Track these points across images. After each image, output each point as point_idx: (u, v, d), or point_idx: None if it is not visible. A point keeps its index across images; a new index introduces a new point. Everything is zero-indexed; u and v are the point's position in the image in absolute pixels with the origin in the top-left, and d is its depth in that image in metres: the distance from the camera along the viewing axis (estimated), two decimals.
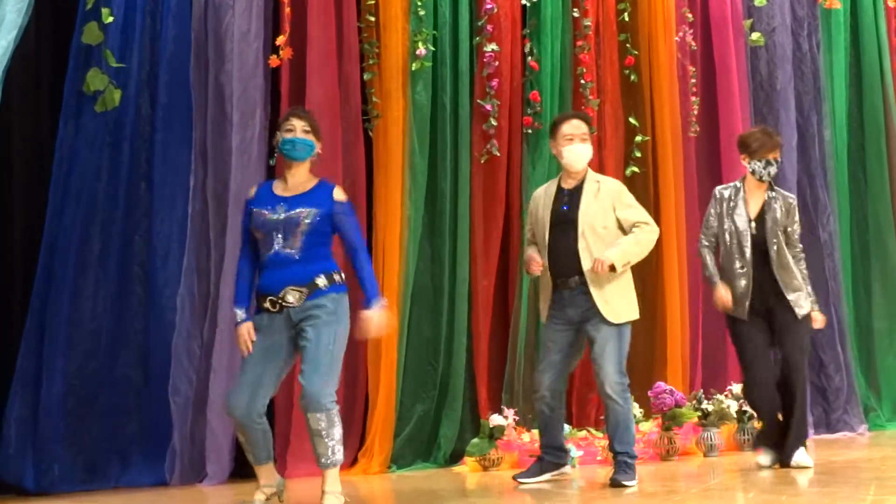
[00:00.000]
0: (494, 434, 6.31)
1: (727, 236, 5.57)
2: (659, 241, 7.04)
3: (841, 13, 7.98)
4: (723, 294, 5.50)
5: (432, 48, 6.62)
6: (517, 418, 6.41)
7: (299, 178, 4.57)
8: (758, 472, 5.51)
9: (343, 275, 4.54)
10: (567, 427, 6.21)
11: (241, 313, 4.49)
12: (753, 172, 5.60)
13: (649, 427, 6.58)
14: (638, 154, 7.25)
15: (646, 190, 7.24)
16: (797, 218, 5.65)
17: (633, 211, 5.26)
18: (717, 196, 5.69)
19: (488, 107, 6.73)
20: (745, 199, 5.61)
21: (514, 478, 5.38)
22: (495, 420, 6.33)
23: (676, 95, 7.36)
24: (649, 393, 6.69)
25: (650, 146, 7.29)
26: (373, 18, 6.52)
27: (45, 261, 5.75)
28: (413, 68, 6.56)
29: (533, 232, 5.40)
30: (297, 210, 4.46)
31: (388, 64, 6.53)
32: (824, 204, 7.75)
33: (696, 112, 7.46)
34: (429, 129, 6.62)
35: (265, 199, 4.54)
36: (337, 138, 6.35)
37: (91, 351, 5.84)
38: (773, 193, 5.64)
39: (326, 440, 4.35)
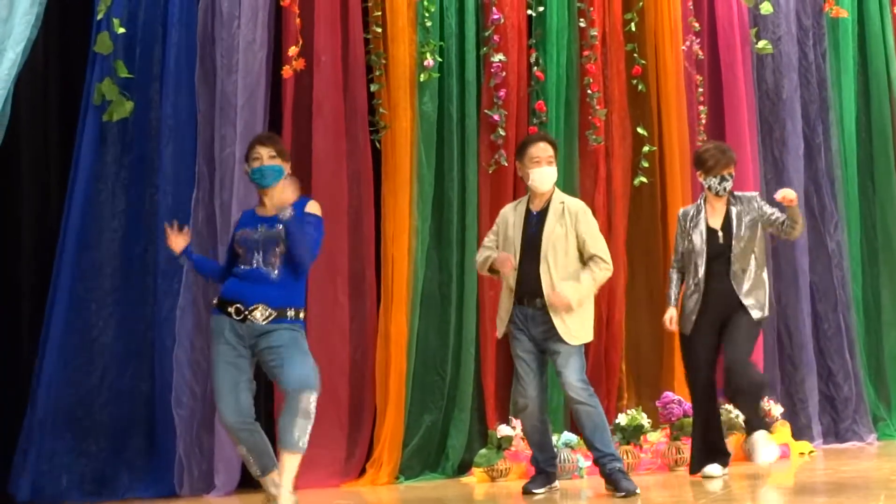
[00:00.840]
0: (502, 444, 6.29)
1: (684, 255, 5.77)
2: (667, 248, 7.11)
3: (849, 22, 7.97)
4: (666, 318, 5.82)
5: (439, 59, 6.62)
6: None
7: (276, 200, 4.59)
8: (765, 481, 5.49)
9: (305, 313, 4.64)
10: (574, 438, 6.25)
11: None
12: (710, 188, 5.71)
13: (657, 437, 6.56)
14: (645, 164, 7.23)
15: (653, 200, 7.24)
16: (766, 207, 5.71)
17: (595, 241, 5.34)
18: (680, 216, 5.87)
19: (496, 117, 6.73)
20: (706, 215, 5.71)
21: (526, 489, 5.38)
22: (503, 430, 6.32)
23: (684, 105, 7.35)
24: (657, 403, 6.68)
25: (657, 156, 7.28)
26: (380, 30, 6.53)
27: (54, 272, 5.75)
28: (420, 79, 6.57)
29: (498, 245, 5.43)
30: (277, 228, 4.51)
31: (395, 75, 6.53)
32: (832, 213, 7.73)
33: (703, 121, 7.46)
34: (436, 140, 6.63)
35: (248, 221, 4.66)
36: (342, 149, 6.36)
37: (98, 362, 5.86)
38: (734, 201, 5.74)
39: (307, 423, 4.39)
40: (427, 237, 6.58)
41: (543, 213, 5.36)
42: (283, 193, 4.48)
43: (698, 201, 5.83)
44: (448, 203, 6.66)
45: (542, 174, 5.35)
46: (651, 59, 7.31)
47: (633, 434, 6.47)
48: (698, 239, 5.70)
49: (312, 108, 6.30)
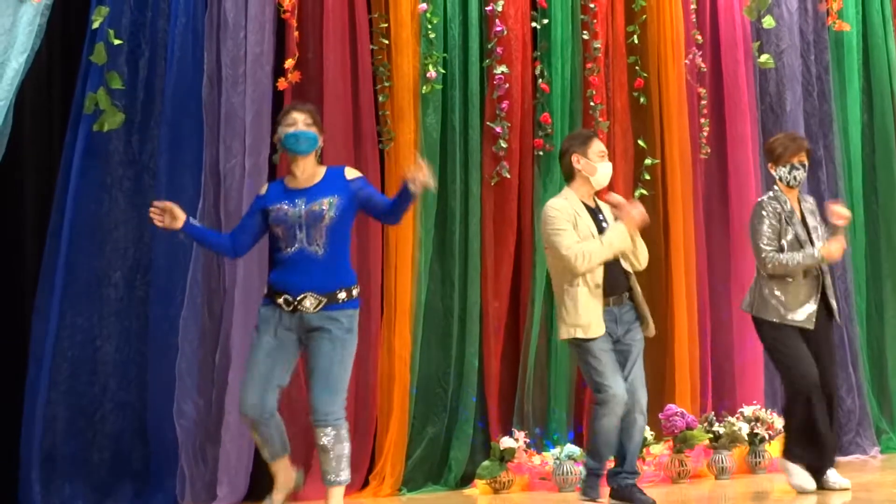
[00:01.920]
0: (505, 457, 6.27)
1: (790, 245, 5.46)
2: (668, 263, 7.14)
3: (852, 35, 7.94)
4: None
5: (442, 71, 6.62)
6: (528, 441, 6.37)
7: (308, 171, 4.53)
8: (768, 494, 5.51)
9: (359, 288, 4.55)
10: (577, 450, 6.22)
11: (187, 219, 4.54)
12: (780, 179, 5.55)
13: (660, 449, 6.53)
14: (647, 177, 7.21)
15: (655, 212, 7.10)
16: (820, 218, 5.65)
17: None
18: (766, 204, 5.52)
19: (498, 129, 6.71)
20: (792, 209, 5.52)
21: (592, 498, 5.23)
22: (506, 442, 6.29)
23: (686, 117, 7.32)
24: (660, 415, 6.63)
25: (659, 168, 7.26)
26: (385, 41, 6.53)
27: (47, 280, 5.75)
28: (423, 91, 6.56)
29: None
30: (319, 201, 4.42)
31: (399, 86, 6.52)
32: (835, 226, 7.66)
33: (705, 134, 7.44)
34: (439, 151, 6.61)
35: (280, 195, 4.50)
36: (351, 160, 6.32)
37: (99, 372, 5.84)
38: (805, 200, 5.65)
39: (331, 456, 4.34)
40: (430, 248, 6.56)
41: (600, 210, 5.31)
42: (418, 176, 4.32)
43: (772, 193, 5.58)
44: (451, 214, 6.64)
45: (609, 169, 5.31)
46: (653, 72, 7.29)
47: None
48: (801, 230, 5.46)
49: (322, 118, 6.16)
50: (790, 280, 5.43)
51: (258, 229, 4.63)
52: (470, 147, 6.71)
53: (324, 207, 4.42)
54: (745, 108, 7.48)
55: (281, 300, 4.40)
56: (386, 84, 6.53)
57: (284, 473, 4.56)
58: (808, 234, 5.50)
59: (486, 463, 6.30)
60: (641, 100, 7.28)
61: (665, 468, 6.46)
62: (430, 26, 6.58)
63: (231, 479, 5.83)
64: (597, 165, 5.24)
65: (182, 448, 5.82)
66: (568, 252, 5.06)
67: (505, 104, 6.72)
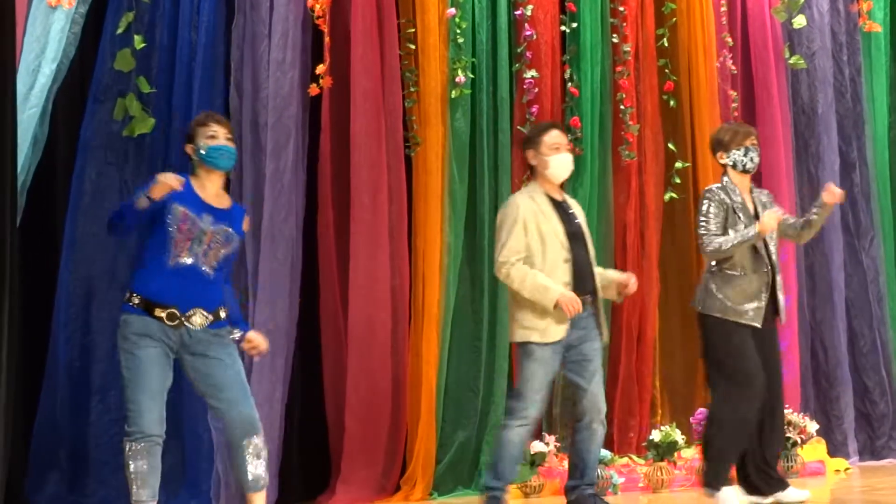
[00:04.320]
0: (535, 461, 6.18)
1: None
2: (700, 268, 6.80)
3: (882, 36, 7.80)
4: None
5: (471, 75, 6.53)
6: (558, 445, 6.27)
7: (215, 189, 4.30)
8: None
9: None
10: (608, 454, 6.10)
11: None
12: (734, 165, 5.09)
13: (691, 454, 6.41)
14: (678, 180, 7.10)
15: (686, 216, 7.08)
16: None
17: None
18: (716, 191, 5.06)
19: None
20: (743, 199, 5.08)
21: None
22: (536, 447, 6.19)
23: (717, 120, 7.15)
24: (691, 419, 6.57)
25: (690, 172, 7.15)
26: (413, 46, 6.46)
27: (77, 282, 5.75)
28: (452, 95, 6.48)
29: (526, 245, 4.85)
30: (223, 227, 4.21)
31: (427, 91, 6.45)
32: (867, 228, 7.54)
33: None
34: (468, 156, 6.53)
35: (190, 199, 4.16)
36: (382, 165, 6.29)
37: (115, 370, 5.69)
38: (760, 193, 5.24)
39: (262, 460, 4.21)
40: (459, 253, 6.47)
41: (567, 204, 5.04)
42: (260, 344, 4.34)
43: (720, 184, 5.11)
44: (480, 219, 6.55)
45: (565, 160, 4.99)
46: (684, 75, 7.18)
47: (666, 450, 6.36)
48: (749, 220, 5.01)
49: (351, 124, 6.22)
50: (737, 274, 4.98)
51: (149, 216, 4.12)
52: (500, 151, 6.63)
53: (231, 238, 4.24)
54: (777, 110, 7.34)
55: (164, 314, 4.07)
56: (413, 89, 6.47)
57: None
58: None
59: None
60: (672, 103, 7.16)
61: (696, 472, 6.25)
62: (458, 31, 6.51)
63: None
64: (548, 159, 4.95)
65: (217, 451, 5.72)
66: (504, 260, 4.83)
67: (535, 108, 6.63)
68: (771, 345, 5.10)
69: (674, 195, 7.06)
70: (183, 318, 4.10)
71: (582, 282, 4.86)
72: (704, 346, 5.13)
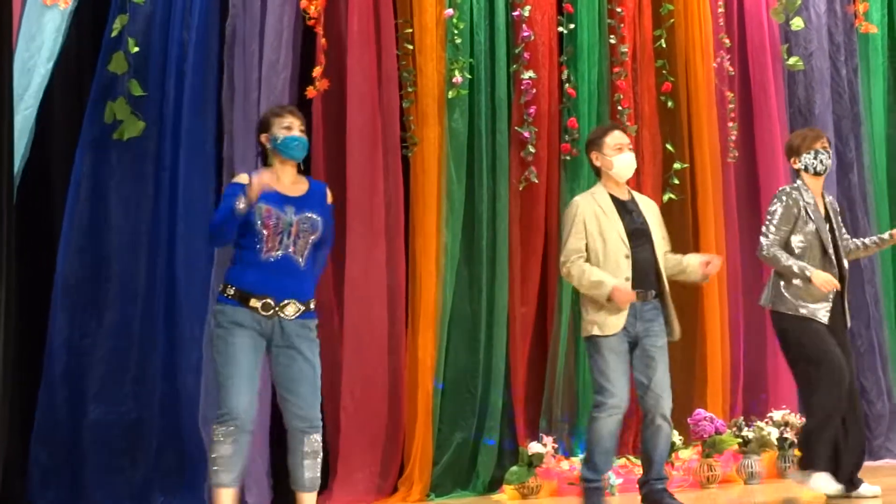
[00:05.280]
0: (533, 462, 6.15)
1: (808, 237, 5.19)
2: None
3: (878, 37, 7.84)
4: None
5: (469, 76, 6.52)
6: (556, 446, 6.26)
7: (290, 178, 4.36)
8: (798, 500, 5.44)
9: None
10: None
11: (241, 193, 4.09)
12: (806, 168, 5.28)
13: (689, 454, 6.43)
14: (676, 181, 7.10)
15: (684, 216, 7.08)
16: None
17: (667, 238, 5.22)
18: (789, 193, 5.26)
19: (526, 134, 6.60)
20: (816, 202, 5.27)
21: None
22: (534, 448, 6.18)
23: (714, 121, 7.23)
24: (689, 420, 6.52)
25: (688, 173, 7.16)
26: (410, 47, 6.43)
27: (73, 284, 5.72)
28: (449, 96, 6.45)
29: (587, 245, 5.00)
30: (307, 215, 4.27)
31: (424, 91, 6.42)
32: (864, 229, 7.51)
33: (734, 138, 7.33)
34: (466, 157, 6.51)
35: (270, 195, 4.20)
36: (378, 165, 6.28)
37: (120, 378, 5.80)
38: (829, 197, 5.44)
39: (317, 461, 4.27)
40: (457, 253, 6.45)
41: (635, 203, 5.12)
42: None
43: (795, 184, 5.33)
44: (478, 219, 6.53)
45: (629, 160, 5.08)
46: (681, 76, 7.19)
47: None
48: (823, 225, 5.21)
49: (346, 124, 6.21)
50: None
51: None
52: (497, 152, 6.61)
53: (316, 224, 4.30)
54: (774, 111, 7.39)
55: (259, 304, 4.17)
56: (410, 90, 6.44)
57: None
58: (832, 231, 5.26)
59: (514, 468, 6.20)
60: (669, 104, 7.17)
61: (694, 473, 6.37)
62: (456, 32, 6.48)
63: (257, 483, 5.72)
64: (612, 159, 5.06)
65: (209, 454, 5.65)
66: (564, 259, 5.01)
67: (532, 109, 6.62)
68: (843, 345, 5.20)
69: (672, 196, 7.05)
70: (277, 308, 4.19)
71: (643, 277, 4.97)
72: (783, 340, 5.30)
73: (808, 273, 5.08)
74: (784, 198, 5.24)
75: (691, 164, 7.14)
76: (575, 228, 5.00)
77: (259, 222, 4.19)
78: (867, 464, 7.06)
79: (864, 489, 5.22)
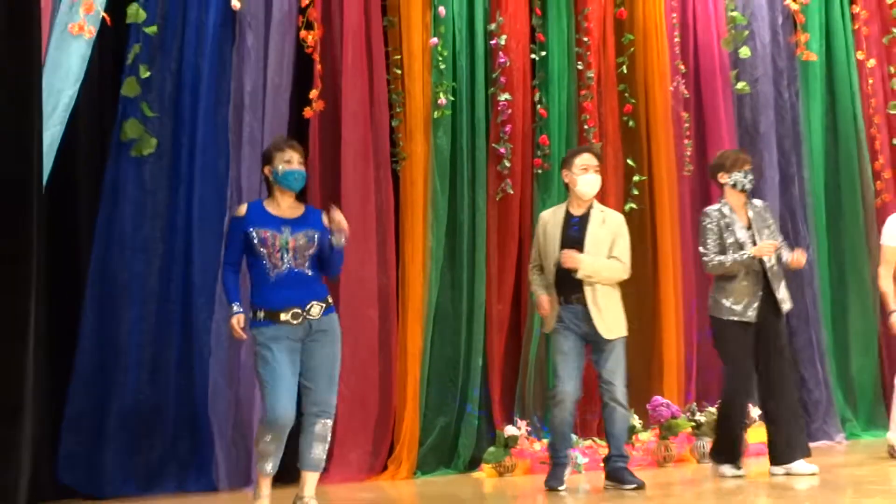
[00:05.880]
0: (509, 443, 6.43)
1: (731, 247, 5.56)
2: (656, 270, 7.28)
3: (817, 65, 8.08)
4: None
5: (452, 98, 6.78)
6: (529, 429, 6.52)
7: (288, 203, 4.64)
8: (745, 476, 5.63)
9: None
10: (573, 437, 6.26)
11: (236, 306, 4.50)
12: (735, 185, 5.61)
13: (648, 436, 6.68)
14: (636, 192, 7.36)
15: (643, 224, 7.34)
16: (774, 227, 5.76)
17: (623, 250, 5.51)
18: (712, 214, 5.64)
19: (502, 150, 6.88)
20: (736, 215, 5.62)
21: (552, 487, 5.44)
22: (509, 430, 6.45)
23: (671, 139, 7.45)
24: (647, 405, 6.79)
25: (647, 185, 7.41)
26: (399, 71, 6.72)
27: (96, 287, 5.85)
28: (435, 116, 6.73)
29: (539, 252, 5.56)
30: (305, 232, 4.54)
31: (412, 112, 6.69)
32: (804, 236, 7.81)
33: (689, 153, 7.56)
34: (449, 170, 6.76)
35: (262, 219, 4.53)
36: (369, 178, 6.51)
37: (134, 366, 5.92)
38: (751, 204, 5.72)
39: (325, 445, 4.54)
40: (441, 258, 6.69)
41: (585, 217, 5.47)
42: (342, 223, 4.50)
43: (718, 204, 5.67)
44: (460, 227, 6.77)
45: (591, 180, 5.46)
46: (641, 98, 7.43)
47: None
48: (743, 234, 5.53)
49: (341, 141, 6.41)
50: (733, 280, 5.54)
51: (244, 249, 4.61)
52: (477, 166, 6.86)
53: (312, 238, 4.54)
54: (724, 130, 7.59)
55: (288, 315, 4.45)
56: (399, 110, 6.70)
57: (269, 489, 4.55)
58: (753, 236, 5.56)
59: (491, 449, 6.45)
60: (630, 123, 7.43)
61: (652, 453, 6.60)
62: (440, 58, 6.75)
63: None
64: (577, 178, 5.47)
65: (217, 439, 5.94)
66: (530, 267, 5.66)
67: (508, 128, 6.89)
68: (769, 336, 5.56)
69: (633, 205, 7.30)
70: (304, 313, 4.50)
71: (564, 283, 5.41)
72: (714, 341, 5.76)
73: (746, 256, 5.44)
74: (706, 219, 5.63)
75: (650, 177, 7.39)
76: (534, 241, 5.58)
77: (261, 247, 4.49)
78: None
79: (801, 467, 5.52)
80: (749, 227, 5.61)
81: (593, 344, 5.41)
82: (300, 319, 4.49)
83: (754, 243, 5.55)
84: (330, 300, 4.65)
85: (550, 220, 5.53)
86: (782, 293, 5.62)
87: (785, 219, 7.76)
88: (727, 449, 5.62)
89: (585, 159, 5.49)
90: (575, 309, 5.38)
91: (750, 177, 5.67)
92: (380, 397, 6.43)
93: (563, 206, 5.56)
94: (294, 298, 4.50)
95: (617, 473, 5.38)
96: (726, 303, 5.55)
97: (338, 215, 4.53)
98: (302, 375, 4.56)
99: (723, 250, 5.57)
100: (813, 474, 5.46)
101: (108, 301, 5.90)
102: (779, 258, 5.63)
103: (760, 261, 5.54)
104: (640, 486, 5.27)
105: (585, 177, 5.46)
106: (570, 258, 5.33)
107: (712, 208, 5.71)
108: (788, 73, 8.00)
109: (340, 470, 6.17)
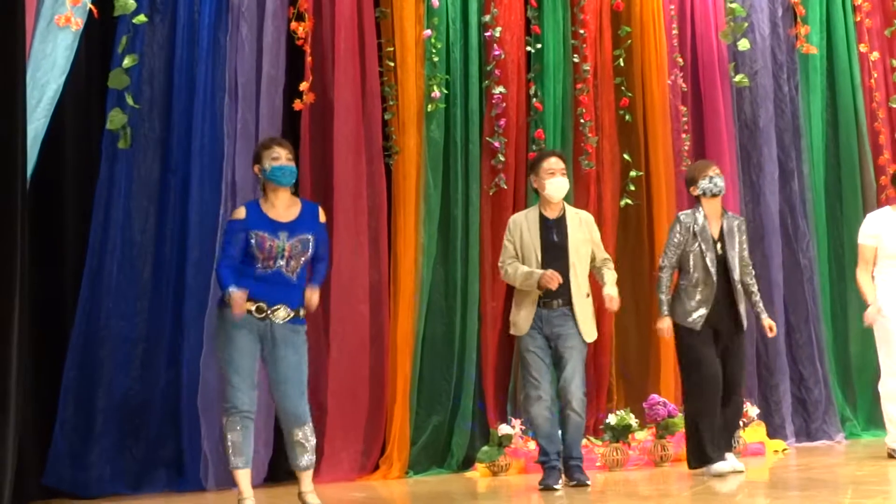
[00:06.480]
0: (503, 442, 6.40)
1: (695, 255, 5.61)
2: (652, 264, 7.17)
3: (817, 58, 8.05)
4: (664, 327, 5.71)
5: (445, 91, 6.75)
6: (523, 428, 6.47)
7: (285, 201, 4.67)
8: (742, 474, 5.62)
9: None
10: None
11: (234, 287, 4.47)
12: (704, 192, 5.66)
13: (644, 436, 6.65)
14: (632, 187, 7.33)
15: (639, 220, 7.32)
16: (745, 248, 5.79)
17: (600, 243, 5.68)
18: (682, 221, 5.69)
19: (496, 144, 6.85)
20: (708, 223, 5.65)
21: (547, 486, 5.42)
22: (503, 429, 6.43)
23: (668, 133, 7.43)
24: (644, 404, 6.77)
25: (644, 180, 7.38)
26: (392, 64, 6.67)
27: (87, 283, 5.82)
28: (428, 109, 6.70)
29: (516, 252, 5.57)
30: (300, 237, 4.59)
31: (405, 105, 6.67)
32: (804, 232, 7.79)
33: (686, 148, 7.53)
34: (442, 164, 6.74)
35: (260, 222, 4.58)
36: (361, 172, 6.48)
37: (126, 363, 5.91)
38: (727, 216, 5.75)
39: (307, 447, 4.60)
40: (434, 253, 6.68)
41: (562, 221, 5.55)
42: (313, 299, 4.64)
43: (691, 210, 5.74)
44: (453, 222, 6.76)
45: (558, 184, 5.53)
46: (638, 92, 7.41)
47: (621, 433, 6.58)
48: (708, 246, 5.58)
49: (333, 134, 6.38)
50: (690, 287, 5.60)
51: (243, 248, 4.63)
52: (470, 160, 6.83)
53: (307, 245, 4.60)
54: (723, 124, 7.58)
55: (253, 307, 4.51)
56: (392, 103, 6.66)
57: (248, 486, 4.58)
58: (723, 249, 5.61)
59: (485, 448, 6.44)
60: (627, 117, 7.39)
61: (649, 453, 6.57)
62: (434, 51, 6.72)
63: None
64: (544, 182, 5.55)
65: (205, 438, 5.90)
66: (501, 263, 5.64)
67: (502, 121, 6.86)
68: (731, 348, 5.63)
69: (629, 201, 7.30)
70: (269, 312, 4.54)
71: (548, 289, 5.42)
72: (675, 346, 5.80)
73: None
74: (677, 225, 5.69)
75: (647, 172, 7.36)
76: (507, 243, 5.61)
77: (257, 249, 4.54)
78: (807, 444, 7.41)
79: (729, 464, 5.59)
80: (720, 239, 5.66)
81: (555, 348, 5.48)
82: (262, 315, 4.55)
83: (718, 255, 5.61)
84: (302, 312, 4.68)
85: (524, 224, 5.60)
86: (742, 310, 5.69)
87: (785, 214, 7.76)
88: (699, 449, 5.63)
89: (552, 163, 5.59)
90: (555, 312, 5.46)
91: (716, 180, 5.70)
92: (371, 394, 6.41)
93: (535, 209, 5.64)
94: (267, 295, 4.56)
95: (570, 472, 5.49)
96: (680, 309, 5.65)
97: (313, 301, 4.67)
98: (271, 387, 4.65)
99: (684, 258, 5.63)
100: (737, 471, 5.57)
101: (98, 298, 5.87)
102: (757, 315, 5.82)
103: (727, 274, 5.59)
104: (585, 485, 5.38)
105: (552, 181, 5.56)
106: (612, 301, 5.48)
107: (686, 214, 5.77)
108: (788, 66, 7.99)
109: (331, 470, 6.15)
